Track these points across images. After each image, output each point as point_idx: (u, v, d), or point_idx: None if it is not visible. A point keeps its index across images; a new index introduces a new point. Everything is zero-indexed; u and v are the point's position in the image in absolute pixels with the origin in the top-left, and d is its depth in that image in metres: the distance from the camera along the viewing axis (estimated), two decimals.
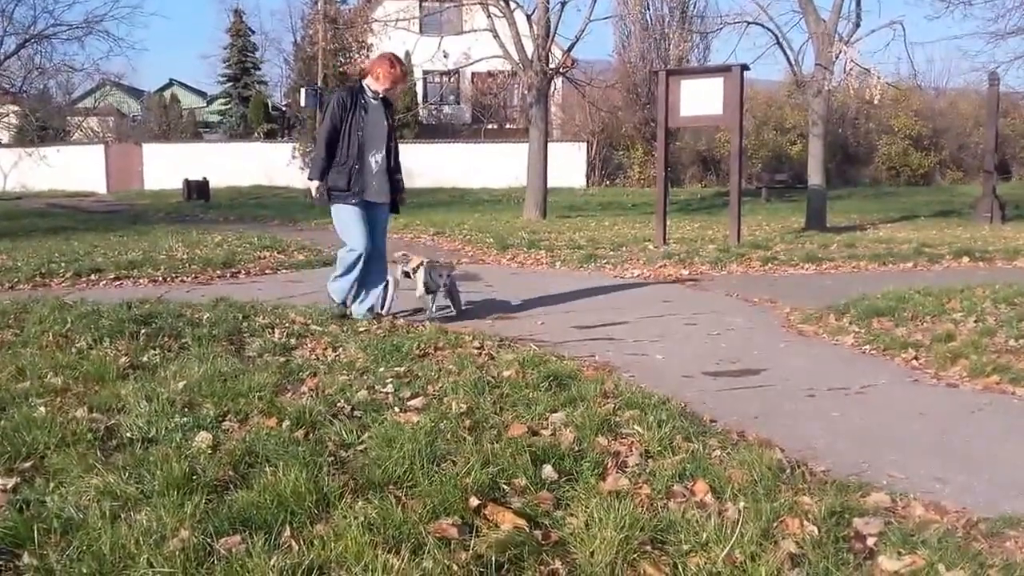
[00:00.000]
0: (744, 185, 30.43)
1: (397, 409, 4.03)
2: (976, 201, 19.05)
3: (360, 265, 6.49)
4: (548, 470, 3.22)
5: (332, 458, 3.35)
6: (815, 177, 16.50)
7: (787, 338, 6.42)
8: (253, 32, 42.07)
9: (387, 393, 4.32)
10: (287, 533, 2.67)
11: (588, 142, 33.44)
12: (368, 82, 6.55)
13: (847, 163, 34.21)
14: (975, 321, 6.38)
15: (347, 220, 6.48)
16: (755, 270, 10.49)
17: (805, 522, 2.72)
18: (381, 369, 4.80)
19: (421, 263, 6.92)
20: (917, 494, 3.22)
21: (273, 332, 5.77)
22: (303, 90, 31.05)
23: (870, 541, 2.69)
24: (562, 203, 24.02)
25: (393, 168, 6.62)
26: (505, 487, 3.09)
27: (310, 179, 6.49)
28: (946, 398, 4.75)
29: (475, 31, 19.79)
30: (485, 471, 3.15)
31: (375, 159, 6.49)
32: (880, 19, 31.41)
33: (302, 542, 2.61)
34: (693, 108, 12.51)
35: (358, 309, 6.66)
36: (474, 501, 2.89)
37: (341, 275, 6.60)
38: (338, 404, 4.07)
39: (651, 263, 10.75)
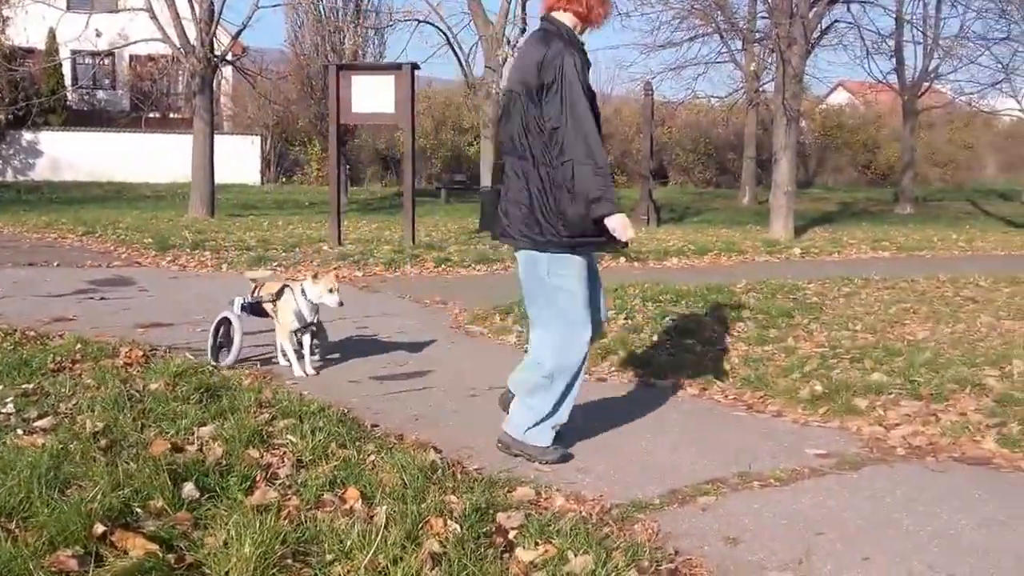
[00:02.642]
0: (424, 185, 31.21)
1: (20, 431, 3.59)
2: (635, 204, 20.79)
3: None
4: (190, 488, 3.01)
5: None
6: (488, 178, 17.14)
7: (455, 339, 6.59)
8: None
9: (8, 414, 3.84)
10: None
11: (262, 136, 32.32)
12: (567, 20, 3.69)
13: None
14: (625, 318, 6.91)
15: (580, 287, 3.68)
16: (429, 271, 10.69)
17: (449, 521, 2.77)
18: (2, 387, 4.25)
19: (285, 286, 5.17)
20: (560, 485, 3.41)
21: None
22: None
23: (511, 534, 2.79)
24: (234, 201, 23.04)
25: None
26: (139, 510, 2.84)
27: (605, 213, 3.46)
28: (595, 391, 5.06)
29: (131, 10, 18.29)
30: (117, 494, 2.88)
31: None
32: None
33: None
34: (365, 105, 12.45)
35: (538, 433, 3.78)
36: (100, 528, 2.63)
37: (556, 396, 3.74)
38: None
39: (325, 265, 10.59)
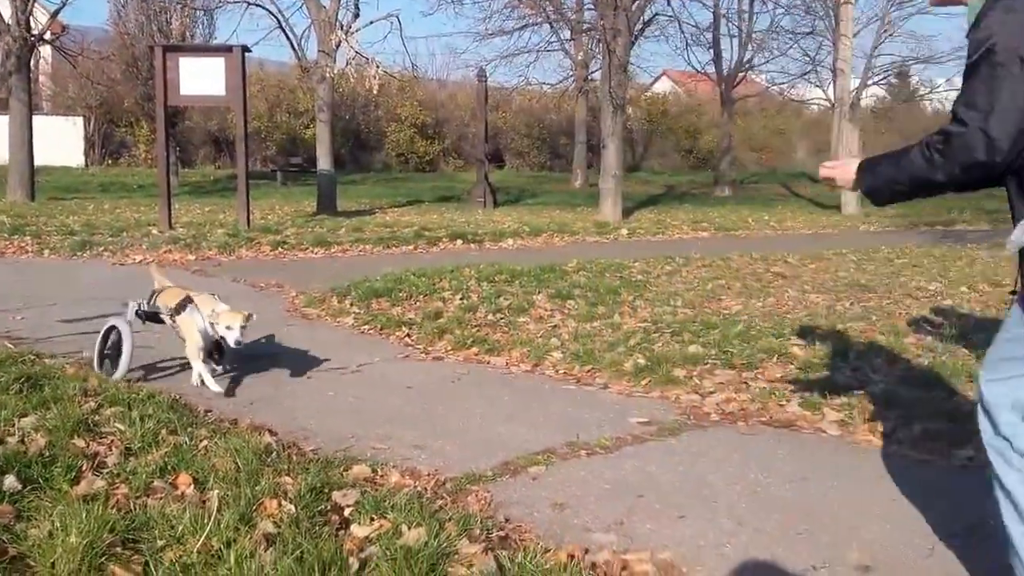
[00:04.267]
0: (259, 168, 30.31)
1: None
2: (472, 187, 20.94)
3: None
4: (11, 480, 2.90)
5: None
6: (324, 162, 16.89)
7: (291, 322, 6.53)
8: None
9: None
10: None
11: (86, 117, 30.55)
12: None
13: (360, 149, 35.52)
14: (461, 298, 7.03)
15: None
16: (265, 254, 10.50)
17: (284, 502, 2.79)
18: None
19: (188, 299, 4.68)
20: (396, 462, 3.47)
21: None
22: None
23: (347, 511, 2.84)
24: (56, 184, 21.71)
25: None
26: None
27: None
28: (432, 371, 5.19)
29: None
30: None
31: None
32: (378, 11, 32.88)
33: None
34: (195, 87, 12.09)
35: None
36: None
37: None
38: None
39: (155, 249, 10.23)
